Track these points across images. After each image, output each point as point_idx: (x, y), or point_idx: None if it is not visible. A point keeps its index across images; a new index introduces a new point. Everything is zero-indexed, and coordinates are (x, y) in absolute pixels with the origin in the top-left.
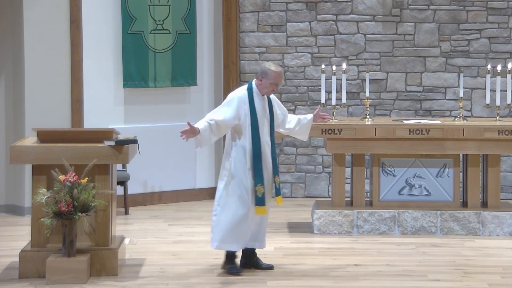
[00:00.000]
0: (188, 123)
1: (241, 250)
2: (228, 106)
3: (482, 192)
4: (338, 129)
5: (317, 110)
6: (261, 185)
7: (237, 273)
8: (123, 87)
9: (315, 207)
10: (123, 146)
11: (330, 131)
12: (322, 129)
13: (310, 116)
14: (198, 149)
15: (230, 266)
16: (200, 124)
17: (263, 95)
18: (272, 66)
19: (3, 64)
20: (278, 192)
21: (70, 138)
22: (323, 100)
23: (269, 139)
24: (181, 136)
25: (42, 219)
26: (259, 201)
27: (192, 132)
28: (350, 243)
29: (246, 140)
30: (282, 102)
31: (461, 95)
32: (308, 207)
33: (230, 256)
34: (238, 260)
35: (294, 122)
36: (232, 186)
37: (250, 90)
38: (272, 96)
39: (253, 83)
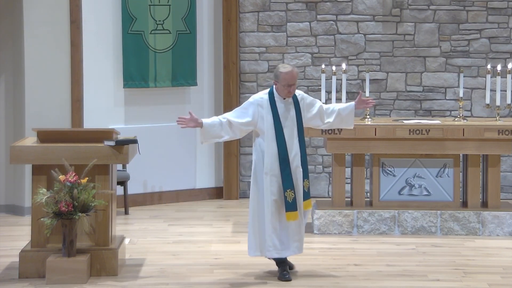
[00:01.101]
0: (190, 112)
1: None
2: (244, 109)
3: (482, 192)
4: (338, 129)
5: (358, 96)
6: (291, 190)
7: (287, 279)
8: (123, 87)
9: (315, 207)
10: (123, 146)
11: (330, 131)
12: (322, 130)
13: (351, 104)
14: (203, 144)
15: (281, 272)
16: (208, 119)
17: (284, 98)
18: (281, 68)
19: (3, 64)
20: (305, 196)
21: (70, 138)
22: (323, 100)
23: (296, 142)
24: (178, 122)
25: (42, 219)
26: (290, 207)
27: (192, 121)
28: (350, 243)
29: (265, 144)
30: None
31: (461, 95)
32: None
33: (278, 261)
34: (285, 264)
35: (333, 115)
36: (253, 190)
37: (271, 94)
38: (300, 97)
39: (274, 87)
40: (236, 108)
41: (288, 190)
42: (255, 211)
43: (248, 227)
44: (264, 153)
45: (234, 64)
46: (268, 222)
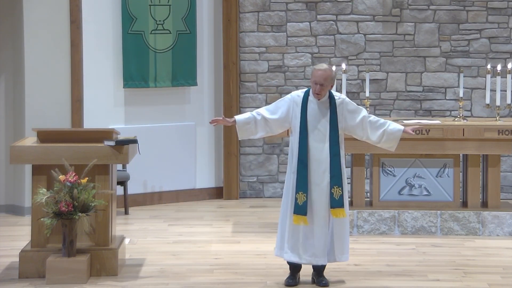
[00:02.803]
0: (223, 117)
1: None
2: (279, 104)
3: (482, 192)
4: None
5: (411, 128)
6: (304, 193)
7: (288, 285)
8: (123, 87)
9: None
10: (123, 146)
11: None
12: None
13: (399, 127)
14: (240, 140)
15: (287, 277)
16: (242, 115)
17: (318, 99)
18: (317, 65)
19: (3, 64)
20: (334, 204)
21: (70, 138)
22: None
23: (326, 147)
24: (211, 123)
25: (42, 219)
26: (298, 210)
27: (224, 122)
28: (350, 243)
29: (294, 143)
30: None
31: (461, 95)
32: None
33: (289, 265)
34: (295, 272)
35: (377, 133)
36: (284, 188)
37: (307, 92)
38: (340, 101)
39: None
40: (273, 103)
41: (300, 192)
42: (281, 209)
43: (280, 229)
44: (292, 152)
45: (234, 64)
46: (289, 222)
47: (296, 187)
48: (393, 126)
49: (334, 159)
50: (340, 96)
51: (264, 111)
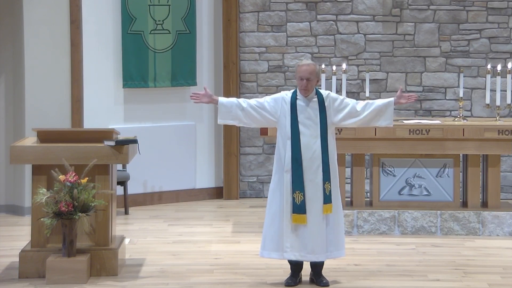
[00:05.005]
0: (204, 88)
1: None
2: (270, 98)
3: (482, 192)
4: (338, 129)
5: (399, 91)
6: (300, 192)
7: (288, 285)
8: (123, 87)
9: None
10: (123, 146)
11: None
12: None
13: (389, 99)
14: (219, 123)
15: (287, 277)
16: (226, 99)
17: (305, 96)
18: (299, 62)
19: (3, 64)
20: (326, 200)
21: (70, 138)
22: None
23: (318, 142)
24: (192, 97)
25: (42, 219)
26: (297, 209)
27: (206, 96)
28: (350, 243)
29: (284, 141)
30: None
31: (461, 95)
32: None
33: (290, 266)
34: (297, 272)
35: (367, 110)
36: (271, 189)
37: (295, 92)
38: (326, 95)
39: None
40: (261, 98)
41: (296, 192)
42: (271, 210)
43: (264, 227)
44: (281, 151)
45: (234, 64)
46: (287, 221)
47: (293, 186)
48: (383, 102)
49: (325, 155)
50: (325, 92)
51: (253, 101)
